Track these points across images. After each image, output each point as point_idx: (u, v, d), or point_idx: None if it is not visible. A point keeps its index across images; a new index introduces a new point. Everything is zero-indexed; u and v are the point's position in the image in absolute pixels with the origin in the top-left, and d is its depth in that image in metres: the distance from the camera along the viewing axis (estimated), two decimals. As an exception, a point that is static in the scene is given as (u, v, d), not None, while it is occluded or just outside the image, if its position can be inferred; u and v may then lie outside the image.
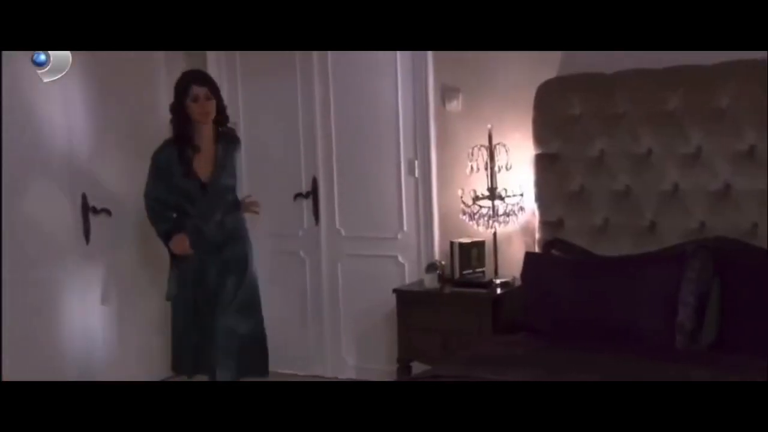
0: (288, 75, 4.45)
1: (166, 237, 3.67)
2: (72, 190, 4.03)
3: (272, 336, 4.57)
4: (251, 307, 3.73)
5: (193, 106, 3.57)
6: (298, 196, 4.50)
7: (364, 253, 4.37)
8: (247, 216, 3.79)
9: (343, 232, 4.45)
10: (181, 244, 3.64)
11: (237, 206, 3.73)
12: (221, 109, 3.68)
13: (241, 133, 4.62)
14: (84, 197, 4.06)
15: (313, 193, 4.48)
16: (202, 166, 3.61)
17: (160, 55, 4.37)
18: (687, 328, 3.13)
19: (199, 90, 3.57)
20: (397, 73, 4.18)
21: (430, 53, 4.06)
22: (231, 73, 4.63)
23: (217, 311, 3.60)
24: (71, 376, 3.86)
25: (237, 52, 4.55)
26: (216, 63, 4.62)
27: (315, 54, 4.34)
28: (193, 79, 3.62)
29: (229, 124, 3.80)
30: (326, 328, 4.52)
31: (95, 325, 4.17)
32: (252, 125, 4.61)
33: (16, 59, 3.38)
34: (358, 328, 4.41)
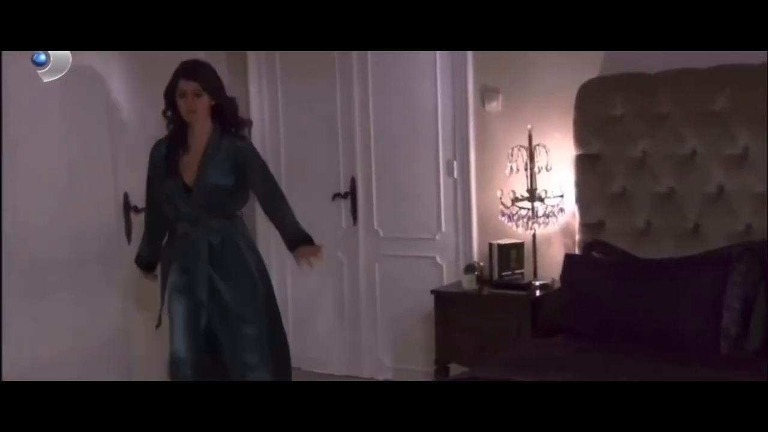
0: (327, 75, 4.45)
1: (139, 260, 3.46)
2: (114, 190, 4.08)
3: (309, 336, 4.60)
4: (260, 322, 3.31)
5: (180, 103, 3.18)
6: (336, 196, 4.50)
7: (402, 253, 4.36)
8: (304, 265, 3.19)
9: (381, 233, 4.44)
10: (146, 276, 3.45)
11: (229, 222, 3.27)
12: (223, 109, 3.23)
13: (281, 133, 4.66)
14: (126, 197, 4.10)
15: (352, 194, 4.48)
16: (190, 167, 3.22)
17: (201, 56, 4.38)
18: (732, 333, 3.07)
19: (186, 85, 3.16)
20: (436, 74, 4.16)
21: (469, 54, 4.04)
22: (271, 73, 4.66)
23: (220, 338, 3.26)
24: (108, 376, 3.90)
25: (277, 53, 4.57)
26: (256, 63, 4.65)
27: (354, 54, 4.34)
28: (182, 72, 3.20)
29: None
30: (363, 329, 4.51)
31: (136, 325, 4.21)
32: (291, 125, 4.63)
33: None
34: (396, 329, 4.40)
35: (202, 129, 3.24)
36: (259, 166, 3.28)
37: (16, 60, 3.43)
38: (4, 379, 3.40)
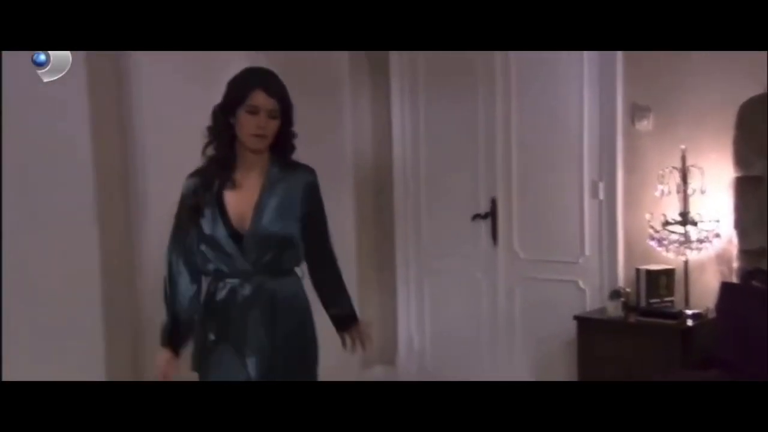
0: (469, 90, 4.39)
1: (164, 336, 2.56)
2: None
3: (445, 358, 4.55)
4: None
5: (247, 122, 2.41)
6: (476, 216, 4.44)
7: (542, 276, 4.24)
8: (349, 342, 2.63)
9: (521, 255, 4.34)
10: (161, 363, 2.53)
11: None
12: (287, 136, 2.50)
13: (421, 150, 4.64)
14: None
15: (492, 215, 4.40)
16: (240, 208, 2.46)
17: (344, 56, 4.36)
18: None
19: (263, 100, 2.40)
20: (583, 91, 4.03)
21: (619, 70, 3.88)
22: (413, 83, 4.63)
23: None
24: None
25: (421, 66, 4.55)
26: (398, 67, 4.64)
27: (498, 68, 4.27)
28: (259, 82, 2.43)
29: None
30: (501, 353, 4.41)
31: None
32: (432, 142, 4.61)
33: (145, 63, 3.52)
34: (536, 354, 4.27)
35: (261, 163, 2.49)
36: (320, 211, 2.58)
37: (142, 60, 3.54)
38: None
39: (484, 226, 4.44)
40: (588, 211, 4.08)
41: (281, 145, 2.49)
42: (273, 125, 2.43)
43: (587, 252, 4.10)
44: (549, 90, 4.16)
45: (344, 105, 4.52)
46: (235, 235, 2.44)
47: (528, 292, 4.31)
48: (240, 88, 2.43)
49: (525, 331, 4.32)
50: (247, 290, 2.45)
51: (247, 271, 2.44)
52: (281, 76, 2.48)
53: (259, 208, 2.44)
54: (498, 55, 4.24)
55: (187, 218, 2.48)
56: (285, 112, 2.45)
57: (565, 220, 4.15)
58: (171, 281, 2.54)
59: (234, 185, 2.46)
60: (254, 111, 2.40)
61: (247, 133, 2.41)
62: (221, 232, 2.44)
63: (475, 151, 4.42)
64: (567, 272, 4.15)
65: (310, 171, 2.55)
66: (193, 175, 2.51)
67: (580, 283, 4.12)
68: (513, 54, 4.19)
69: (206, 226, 2.45)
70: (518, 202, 4.32)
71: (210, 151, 2.48)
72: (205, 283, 2.55)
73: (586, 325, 3.75)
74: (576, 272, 4.13)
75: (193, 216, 2.46)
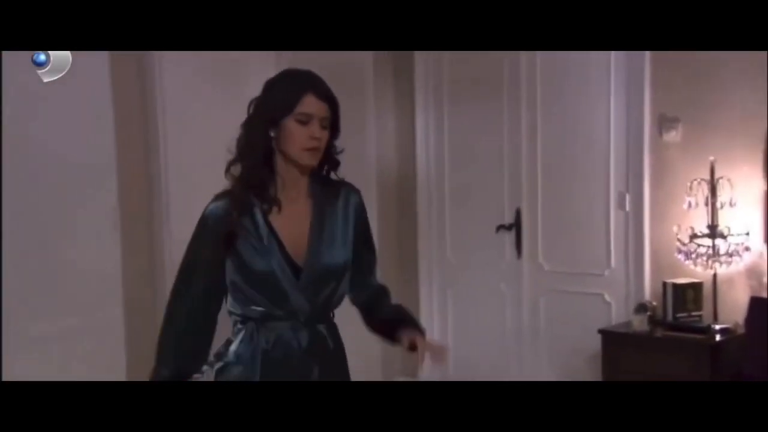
0: (495, 99, 4.35)
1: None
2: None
3: (468, 370, 4.49)
4: None
5: (299, 132, 2.01)
6: (500, 228, 4.40)
7: (567, 289, 4.19)
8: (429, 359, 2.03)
9: (546, 267, 4.28)
10: None
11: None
12: (333, 149, 2.12)
13: (446, 158, 4.59)
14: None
15: (516, 226, 4.36)
16: (295, 238, 2.06)
17: (368, 57, 4.34)
18: None
19: (316, 107, 2.02)
20: (610, 101, 3.98)
21: (647, 80, 3.85)
22: (437, 90, 4.59)
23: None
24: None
25: (444, 71, 4.52)
26: (423, 72, 4.59)
27: (523, 77, 4.24)
28: (309, 85, 2.03)
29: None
30: (525, 366, 4.36)
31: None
32: (456, 151, 4.57)
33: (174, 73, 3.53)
34: (560, 367, 4.21)
35: (298, 177, 2.08)
36: (368, 228, 2.21)
37: (165, 62, 3.54)
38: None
39: (508, 237, 4.40)
40: (614, 222, 4.03)
41: (325, 159, 2.09)
42: (325, 136, 2.04)
43: (613, 264, 4.04)
44: (575, 100, 4.12)
45: (368, 110, 4.49)
46: (294, 269, 2.04)
47: (552, 304, 4.25)
48: (286, 94, 2.02)
49: (549, 344, 4.26)
50: (303, 340, 2.05)
51: (301, 314, 2.04)
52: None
53: (314, 236, 2.05)
54: (524, 62, 4.21)
55: (219, 248, 2.03)
56: (335, 120, 2.07)
57: (591, 231, 4.10)
58: (191, 329, 2.10)
59: (279, 209, 2.05)
60: (306, 120, 2.01)
61: (299, 147, 2.01)
62: (279, 265, 2.02)
63: (500, 161, 4.39)
64: (592, 285, 4.10)
65: (354, 190, 2.16)
66: (220, 197, 2.06)
67: (606, 296, 4.07)
68: (539, 60, 4.16)
69: (254, 258, 2.02)
70: (543, 213, 4.27)
71: (236, 169, 2.05)
72: (224, 323, 2.13)
73: (612, 338, 3.70)
74: (601, 285, 4.08)
75: (226, 246, 2.03)
